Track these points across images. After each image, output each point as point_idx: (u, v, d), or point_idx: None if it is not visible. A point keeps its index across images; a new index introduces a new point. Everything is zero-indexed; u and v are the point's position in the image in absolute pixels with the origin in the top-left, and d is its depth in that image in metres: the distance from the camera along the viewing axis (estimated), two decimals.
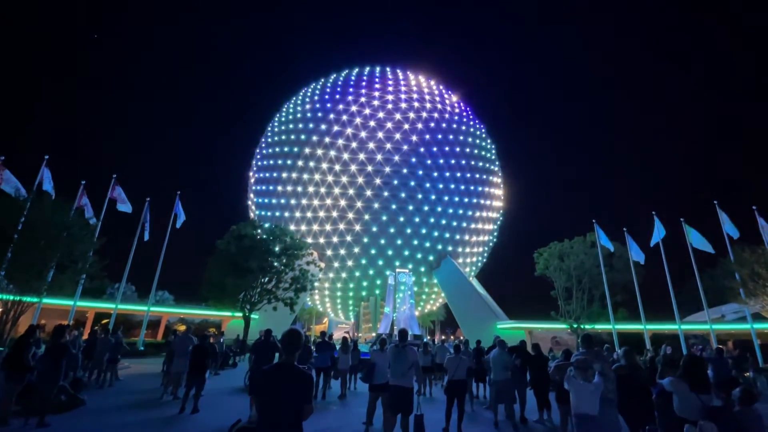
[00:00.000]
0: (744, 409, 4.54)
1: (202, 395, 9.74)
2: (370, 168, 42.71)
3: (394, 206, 42.33)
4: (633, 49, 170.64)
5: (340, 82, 50.28)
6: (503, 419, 9.24)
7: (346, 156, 43.04)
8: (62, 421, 8.24)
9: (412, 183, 43.13)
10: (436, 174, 44.26)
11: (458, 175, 45.59)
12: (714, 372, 11.21)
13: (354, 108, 45.58)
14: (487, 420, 9.68)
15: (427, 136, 45.26)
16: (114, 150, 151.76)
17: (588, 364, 5.28)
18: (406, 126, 45.03)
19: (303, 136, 45.50)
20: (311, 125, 45.80)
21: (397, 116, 45.39)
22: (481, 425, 9.36)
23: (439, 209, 43.84)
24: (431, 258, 44.49)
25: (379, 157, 43.10)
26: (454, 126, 47.94)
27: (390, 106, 46.09)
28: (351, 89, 48.10)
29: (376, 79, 49.82)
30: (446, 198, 44.33)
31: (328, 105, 46.79)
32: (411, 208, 42.76)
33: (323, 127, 44.98)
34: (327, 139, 44.15)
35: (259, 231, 32.09)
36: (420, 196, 43.20)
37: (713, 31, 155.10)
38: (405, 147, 43.94)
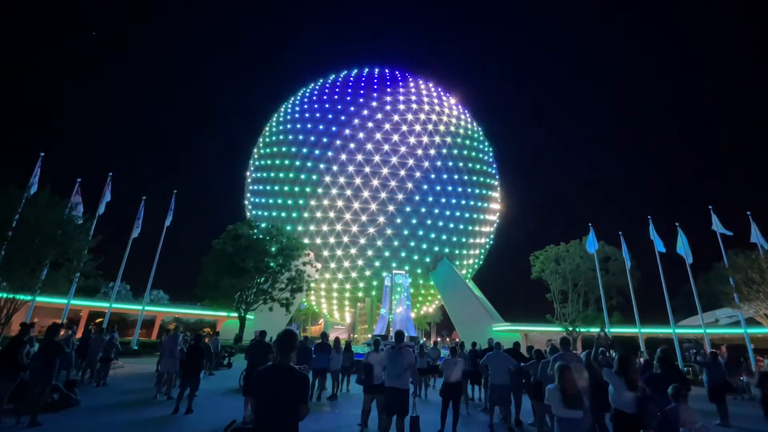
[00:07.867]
0: (677, 406, 5.02)
1: (197, 395, 9.68)
2: (367, 169, 42.73)
3: (391, 207, 42.35)
4: (633, 52, 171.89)
5: (338, 84, 50.35)
6: (498, 422, 9.25)
7: (343, 157, 43.03)
8: (54, 420, 8.16)
9: (410, 184, 43.16)
10: (433, 176, 44.35)
11: (455, 177, 45.70)
12: (708, 377, 11.27)
13: (352, 109, 45.65)
14: (482, 423, 9.69)
15: (425, 138, 45.36)
16: (110, 148, 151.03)
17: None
18: (404, 128, 45.11)
19: (301, 137, 45.51)
20: (309, 125, 45.82)
21: (395, 118, 45.48)
22: (476, 428, 9.36)
23: (436, 211, 43.90)
24: (428, 260, 44.54)
25: (376, 158, 43.13)
26: (452, 128, 48.07)
27: (388, 107, 46.19)
28: (349, 90, 48.19)
29: (375, 81, 49.93)
30: (443, 200, 44.41)
31: (326, 106, 46.83)
32: (408, 209, 42.81)
33: (321, 127, 45.02)
34: (324, 140, 44.15)
35: (255, 231, 32.05)
36: (417, 197, 43.25)
37: (712, 35, 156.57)
38: (403, 149, 44.02)
